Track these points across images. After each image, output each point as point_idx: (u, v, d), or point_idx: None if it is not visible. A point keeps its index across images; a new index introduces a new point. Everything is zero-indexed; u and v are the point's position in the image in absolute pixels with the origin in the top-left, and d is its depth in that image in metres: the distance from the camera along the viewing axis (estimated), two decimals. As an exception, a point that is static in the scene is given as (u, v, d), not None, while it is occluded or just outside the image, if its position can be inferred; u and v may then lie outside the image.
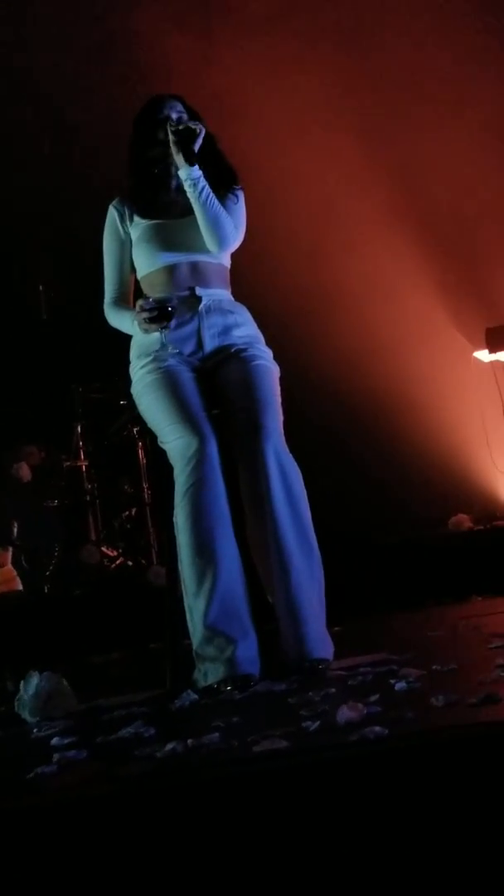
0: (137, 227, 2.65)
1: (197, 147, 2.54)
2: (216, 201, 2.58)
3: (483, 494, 5.67)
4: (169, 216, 2.63)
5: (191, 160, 2.53)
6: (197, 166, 2.55)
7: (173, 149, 2.55)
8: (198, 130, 2.54)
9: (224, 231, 2.58)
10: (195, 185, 2.55)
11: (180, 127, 2.54)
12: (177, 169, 2.59)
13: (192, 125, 2.54)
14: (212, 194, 2.57)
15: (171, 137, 2.55)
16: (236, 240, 2.64)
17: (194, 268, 2.62)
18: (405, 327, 5.87)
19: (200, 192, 2.55)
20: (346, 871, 1.19)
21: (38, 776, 1.51)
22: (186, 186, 2.56)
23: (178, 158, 2.55)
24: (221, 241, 2.58)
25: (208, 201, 2.56)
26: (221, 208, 2.58)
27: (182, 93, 2.73)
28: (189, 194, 2.57)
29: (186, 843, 1.24)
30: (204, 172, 2.57)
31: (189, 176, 2.55)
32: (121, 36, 5.53)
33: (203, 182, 2.56)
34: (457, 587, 3.73)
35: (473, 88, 5.57)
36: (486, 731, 1.30)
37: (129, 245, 2.68)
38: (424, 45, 5.69)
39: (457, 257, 5.80)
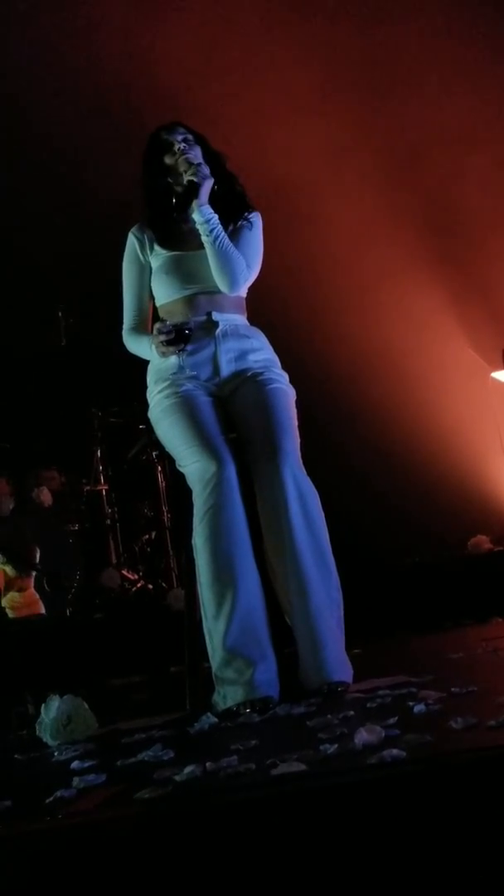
0: (158, 257, 2.68)
1: (204, 194, 2.58)
2: (227, 242, 2.59)
3: (502, 515, 5.65)
4: (188, 247, 2.65)
5: (191, 203, 2.56)
6: (208, 207, 2.58)
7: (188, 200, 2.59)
8: (198, 182, 2.57)
9: (234, 274, 2.59)
10: (205, 226, 2.58)
11: (187, 177, 2.58)
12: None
13: (195, 179, 2.57)
14: (222, 235, 2.59)
15: (177, 189, 2.60)
16: (247, 280, 2.64)
17: (211, 297, 2.64)
18: (422, 349, 5.90)
19: (211, 233, 2.58)
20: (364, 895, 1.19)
21: (58, 800, 1.52)
22: (198, 226, 2.59)
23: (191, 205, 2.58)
24: (232, 283, 2.60)
25: (218, 243, 2.58)
26: (233, 249, 2.60)
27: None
28: (202, 236, 2.59)
29: (205, 867, 1.24)
30: (215, 197, 2.60)
31: (201, 220, 2.58)
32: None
33: (214, 224, 2.58)
34: (477, 609, 3.72)
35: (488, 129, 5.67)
36: (505, 754, 1.29)
37: (148, 272, 2.71)
38: (442, 92, 5.77)
39: (473, 279, 5.82)
